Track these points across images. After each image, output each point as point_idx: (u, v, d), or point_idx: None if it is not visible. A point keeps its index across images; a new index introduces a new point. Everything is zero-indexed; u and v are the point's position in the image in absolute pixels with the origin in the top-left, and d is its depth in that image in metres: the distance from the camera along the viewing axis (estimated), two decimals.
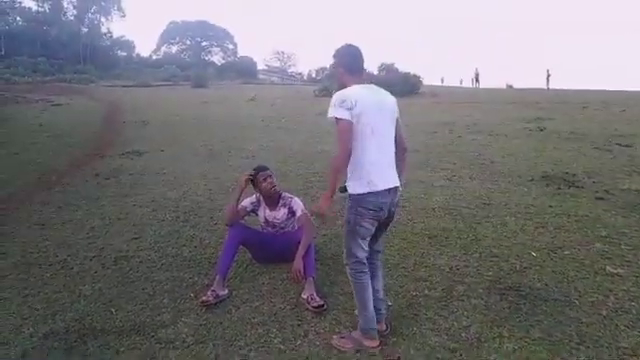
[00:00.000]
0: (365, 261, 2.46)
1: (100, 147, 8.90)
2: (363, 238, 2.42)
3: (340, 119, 2.28)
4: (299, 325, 2.70)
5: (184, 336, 2.61)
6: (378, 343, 2.47)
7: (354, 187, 2.36)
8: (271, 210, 3.51)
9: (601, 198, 4.86)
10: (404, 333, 2.60)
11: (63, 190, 5.71)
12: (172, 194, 5.38)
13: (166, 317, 2.80)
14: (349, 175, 2.38)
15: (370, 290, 2.47)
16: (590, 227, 4.05)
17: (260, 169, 3.45)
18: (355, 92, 2.33)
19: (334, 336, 2.57)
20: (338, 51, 2.52)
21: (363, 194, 2.34)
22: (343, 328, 2.65)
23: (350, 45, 2.52)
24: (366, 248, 2.46)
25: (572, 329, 2.58)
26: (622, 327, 2.58)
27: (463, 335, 2.56)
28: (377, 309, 2.53)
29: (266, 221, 3.53)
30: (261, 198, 3.51)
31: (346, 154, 2.29)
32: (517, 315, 2.74)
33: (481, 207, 4.64)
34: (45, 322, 2.76)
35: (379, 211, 2.38)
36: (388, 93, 2.53)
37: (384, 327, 2.60)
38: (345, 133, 2.28)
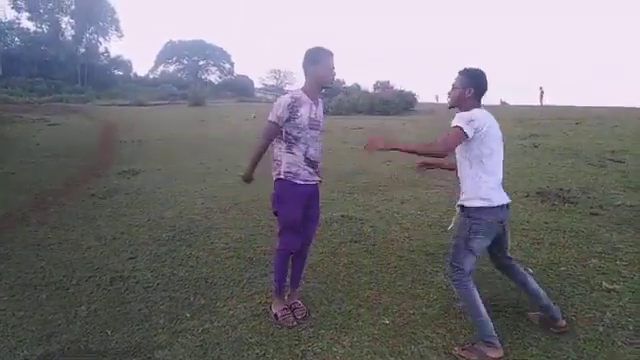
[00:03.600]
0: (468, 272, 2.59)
1: (96, 166, 8.91)
2: (476, 252, 2.58)
3: (461, 129, 2.47)
4: (296, 345, 2.69)
5: (181, 357, 2.58)
6: (502, 354, 2.49)
7: (472, 202, 2.57)
8: (316, 105, 2.86)
9: (596, 214, 4.89)
10: (402, 352, 2.59)
11: (59, 210, 5.69)
12: (168, 213, 5.37)
13: (162, 338, 2.78)
14: (467, 192, 2.60)
15: (477, 295, 2.57)
16: (585, 243, 4.07)
17: (326, 51, 2.83)
18: (484, 117, 2.55)
19: (455, 347, 2.59)
20: (473, 72, 2.67)
21: (479, 208, 2.54)
22: (341, 347, 2.64)
23: (483, 72, 2.68)
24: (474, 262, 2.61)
25: (569, 346, 2.58)
26: (619, 343, 2.58)
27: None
28: (545, 306, 2.70)
29: (311, 121, 2.81)
30: (301, 93, 2.82)
31: (445, 151, 2.52)
32: (515, 332, 2.73)
33: None
34: (40, 344, 2.73)
35: (494, 224, 2.58)
36: None
37: (563, 323, 2.70)
38: (457, 140, 2.49)
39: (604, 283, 3.29)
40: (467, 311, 2.66)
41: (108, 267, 3.86)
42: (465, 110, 2.60)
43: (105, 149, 11.36)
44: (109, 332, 2.85)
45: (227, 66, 70.58)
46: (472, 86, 2.63)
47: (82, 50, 55.80)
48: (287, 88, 68.67)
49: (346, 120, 19.68)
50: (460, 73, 2.69)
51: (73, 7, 55.28)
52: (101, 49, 59.19)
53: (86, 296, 3.35)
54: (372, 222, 4.85)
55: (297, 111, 2.74)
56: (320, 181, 2.99)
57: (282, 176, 2.83)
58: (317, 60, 2.80)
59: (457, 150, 2.62)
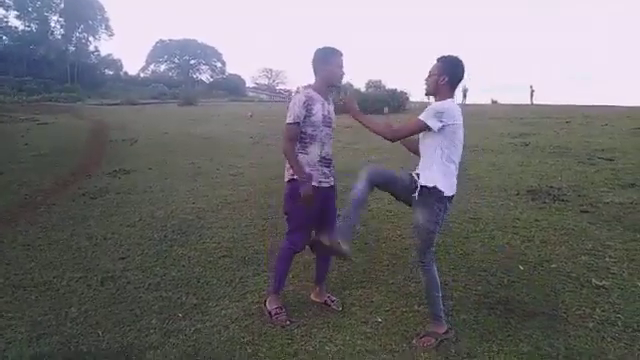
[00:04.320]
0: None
1: (87, 166, 8.83)
2: (435, 233, 2.64)
3: (425, 124, 2.52)
4: (289, 344, 2.68)
5: (172, 358, 2.57)
6: (446, 328, 2.70)
7: (445, 189, 2.57)
8: (328, 103, 2.90)
9: (586, 211, 4.94)
10: (395, 349, 2.60)
11: (49, 210, 5.63)
12: (160, 213, 5.34)
13: (154, 338, 2.76)
14: (434, 175, 2.57)
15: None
16: (576, 240, 4.11)
17: (335, 51, 2.86)
18: (453, 109, 2.57)
19: (414, 339, 2.68)
20: (449, 60, 2.67)
21: (448, 196, 2.59)
22: (333, 346, 2.64)
23: (460, 60, 2.68)
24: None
25: (560, 342, 2.60)
26: (609, 339, 2.61)
27: (453, 350, 2.57)
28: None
29: (324, 118, 2.85)
30: (312, 91, 2.84)
31: (395, 138, 2.65)
32: (506, 329, 2.76)
33: (469, 222, 4.68)
34: (30, 346, 2.70)
35: (444, 212, 2.63)
36: None
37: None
38: (411, 130, 2.62)
39: (594, 280, 3.32)
40: (428, 290, 2.73)
41: (99, 267, 3.83)
42: (441, 99, 2.62)
43: (95, 148, 11.27)
44: (100, 333, 2.83)
45: (219, 65, 70.32)
46: (447, 74, 2.63)
47: (72, 49, 55.29)
48: (279, 87, 68.67)
49: (337, 119, 19.68)
50: (438, 60, 2.70)
51: (62, 6, 54.72)
52: (91, 48, 58.76)
53: (77, 297, 3.32)
54: (364, 221, 4.85)
55: (312, 108, 2.77)
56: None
57: (296, 177, 2.80)
58: (327, 59, 2.83)
59: (428, 138, 2.60)
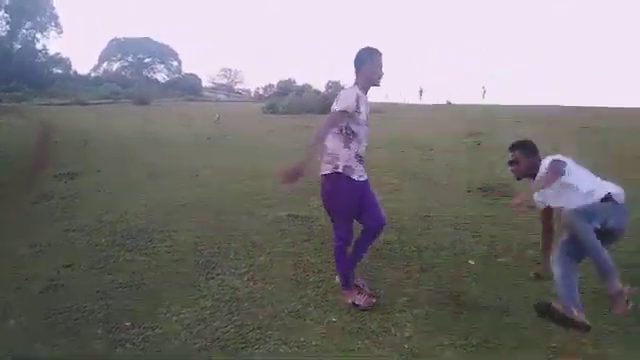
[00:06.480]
0: None
1: (30, 170, 8.36)
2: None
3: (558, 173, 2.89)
4: (243, 348, 2.65)
5: None
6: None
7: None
8: (367, 103, 2.96)
9: (533, 206, 5.12)
10: (349, 347, 2.61)
11: None
12: (108, 217, 5.11)
13: (99, 349, 2.64)
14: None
15: None
16: (523, 234, 4.26)
17: (377, 51, 2.96)
18: (559, 156, 2.88)
19: (614, 309, 2.55)
20: (525, 145, 3.04)
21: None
22: (288, 348, 2.61)
23: (529, 140, 3.09)
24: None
25: (509, 334, 2.70)
26: (550, 328, 2.71)
27: (406, 346, 2.61)
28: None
29: (367, 117, 2.95)
30: (359, 90, 2.91)
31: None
32: (457, 323, 2.82)
33: (422, 219, 4.76)
34: None
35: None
36: None
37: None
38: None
39: (539, 272, 3.44)
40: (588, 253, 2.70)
41: (42, 276, 3.63)
42: (536, 168, 3.00)
43: (40, 151, 10.70)
44: (39, 346, 2.67)
45: (175, 64, 68.58)
46: (531, 156, 3.02)
47: (17, 47, 52.42)
48: (237, 87, 67.89)
49: (296, 119, 19.68)
50: (513, 149, 3.04)
51: (7, 1, 51.79)
52: (39, 46, 55.83)
53: (15, 308, 3.13)
54: (321, 221, 4.84)
55: (360, 106, 2.84)
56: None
57: (340, 170, 2.87)
58: (371, 59, 2.92)
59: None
